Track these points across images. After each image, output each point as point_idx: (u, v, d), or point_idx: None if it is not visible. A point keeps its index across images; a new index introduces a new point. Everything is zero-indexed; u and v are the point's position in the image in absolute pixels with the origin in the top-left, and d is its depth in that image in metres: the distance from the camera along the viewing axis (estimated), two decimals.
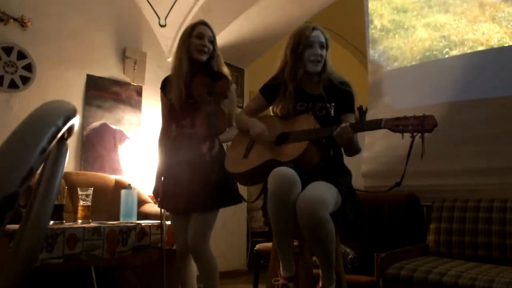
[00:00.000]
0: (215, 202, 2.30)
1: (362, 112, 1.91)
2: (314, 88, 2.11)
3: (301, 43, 2.07)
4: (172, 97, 2.38)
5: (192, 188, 2.28)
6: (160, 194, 2.44)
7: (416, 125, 1.69)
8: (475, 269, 2.19)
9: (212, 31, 2.40)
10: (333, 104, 2.06)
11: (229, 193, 2.34)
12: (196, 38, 2.36)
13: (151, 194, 3.95)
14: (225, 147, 2.42)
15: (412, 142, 1.73)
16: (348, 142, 1.87)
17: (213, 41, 2.39)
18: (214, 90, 2.33)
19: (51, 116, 0.51)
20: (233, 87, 2.44)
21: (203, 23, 2.41)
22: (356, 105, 2.10)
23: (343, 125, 1.85)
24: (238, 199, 2.36)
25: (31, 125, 0.49)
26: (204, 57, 2.36)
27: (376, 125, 1.83)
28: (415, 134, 1.71)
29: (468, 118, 2.93)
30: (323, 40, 2.09)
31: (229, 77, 2.41)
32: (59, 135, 0.52)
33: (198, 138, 2.32)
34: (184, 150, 2.35)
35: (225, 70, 2.43)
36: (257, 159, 2.06)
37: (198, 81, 2.36)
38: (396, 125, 1.74)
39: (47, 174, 0.59)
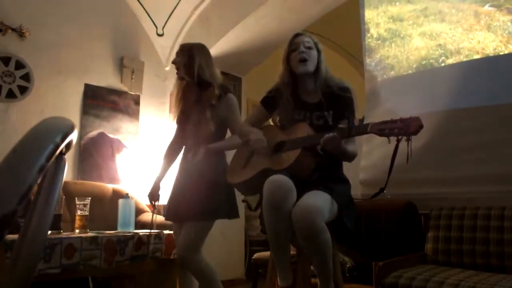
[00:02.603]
0: (210, 212, 2.30)
1: (350, 117, 1.91)
2: (312, 96, 2.12)
3: (286, 49, 2.12)
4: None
5: (188, 197, 2.31)
6: (154, 199, 2.53)
7: (401, 128, 1.68)
8: (473, 277, 2.19)
9: (184, 45, 2.51)
10: (331, 112, 2.06)
11: (228, 205, 2.35)
12: None
13: (149, 203, 3.98)
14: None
15: (396, 146, 1.72)
16: (336, 148, 1.87)
17: (184, 53, 2.44)
18: (201, 99, 2.38)
19: (49, 133, 0.51)
20: (230, 96, 2.43)
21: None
22: (357, 108, 2.09)
23: (331, 133, 1.84)
24: (236, 213, 2.39)
25: (30, 142, 0.49)
26: (179, 72, 2.47)
27: (363, 129, 1.83)
28: (400, 137, 1.71)
29: (465, 126, 2.95)
30: (307, 40, 2.10)
31: (216, 83, 2.40)
32: (58, 151, 0.52)
33: (188, 148, 2.45)
34: (182, 161, 2.48)
35: (214, 76, 2.43)
36: (254, 169, 2.08)
37: (189, 93, 2.47)
38: (382, 129, 1.74)
39: (46, 188, 0.59)
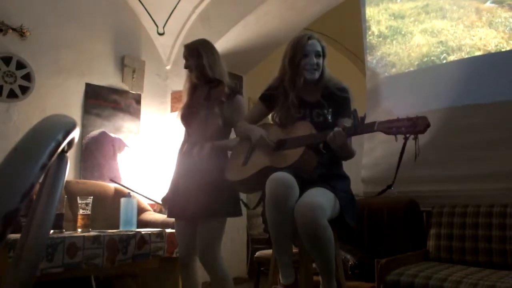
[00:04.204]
0: (216, 210, 2.29)
1: (356, 116, 1.92)
2: (312, 95, 2.13)
3: (297, 52, 2.09)
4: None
5: (193, 195, 2.29)
6: (167, 203, 2.48)
7: (409, 127, 1.70)
8: (476, 274, 2.19)
9: (189, 46, 2.47)
10: (330, 110, 2.08)
11: (231, 204, 2.34)
12: None
13: (151, 202, 3.98)
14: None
15: (404, 144, 1.74)
16: (342, 146, 1.88)
17: (193, 55, 2.42)
18: (210, 96, 2.38)
19: (51, 131, 0.51)
20: (239, 98, 2.42)
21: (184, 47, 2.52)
22: (352, 108, 2.11)
23: (336, 129, 1.85)
24: (239, 211, 2.39)
25: (32, 140, 0.49)
26: (193, 74, 2.45)
27: (369, 128, 1.84)
28: (407, 135, 1.71)
29: (467, 123, 2.94)
30: (319, 49, 2.11)
31: (225, 82, 2.41)
32: (60, 149, 0.52)
33: (194, 145, 2.38)
34: (187, 157, 2.41)
35: (223, 75, 2.43)
36: (255, 166, 2.08)
37: (198, 90, 2.46)
38: (389, 127, 1.74)
39: (48, 186, 0.59)
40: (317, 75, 2.10)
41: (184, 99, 2.51)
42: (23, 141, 0.49)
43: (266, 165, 2.03)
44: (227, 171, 2.21)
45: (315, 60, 2.08)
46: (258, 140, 2.09)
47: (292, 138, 2.01)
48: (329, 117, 2.07)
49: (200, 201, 2.26)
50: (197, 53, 2.41)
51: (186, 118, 2.47)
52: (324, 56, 2.13)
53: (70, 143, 0.58)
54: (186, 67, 2.47)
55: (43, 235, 0.60)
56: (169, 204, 2.46)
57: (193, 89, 2.49)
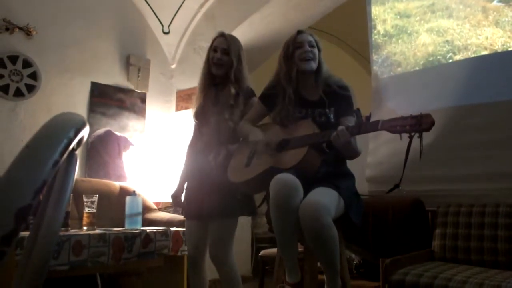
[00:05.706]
0: (233, 210, 2.28)
1: (359, 114, 1.91)
2: (312, 93, 2.12)
3: (290, 45, 2.11)
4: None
5: (208, 194, 2.29)
6: (179, 200, 2.48)
7: (413, 125, 1.68)
8: (481, 274, 2.18)
9: (228, 41, 2.38)
10: (332, 109, 2.07)
11: (248, 202, 2.34)
12: (212, 51, 2.39)
13: (156, 200, 4.00)
14: None
15: (410, 142, 1.72)
16: (345, 145, 1.87)
17: (229, 52, 2.34)
18: (218, 100, 2.36)
19: (63, 129, 0.52)
20: (256, 100, 2.35)
21: (221, 35, 2.41)
22: (355, 106, 2.11)
23: (340, 128, 1.84)
24: (255, 210, 2.38)
25: (44, 138, 0.50)
26: (219, 71, 2.36)
27: (373, 127, 1.83)
28: (412, 134, 1.70)
29: (473, 122, 2.93)
30: (311, 39, 2.12)
31: (234, 86, 2.34)
32: (70, 147, 0.53)
33: (207, 147, 2.37)
34: (200, 158, 2.40)
35: (243, 80, 2.38)
36: (259, 167, 2.07)
37: (209, 92, 2.42)
38: (394, 125, 1.73)
39: (58, 184, 0.60)
40: (313, 65, 2.09)
41: (199, 96, 2.44)
42: (35, 138, 0.49)
43: (270, 166, 2.03)
44: (229, 172, 2.19)
45: (308, 48, 2.08)
46: (255, 145, 2.09)
47: (295, 138, 2.01)
48: (331, 116, 2.06)
49: (216, 201, 2.25)
50: (238, 56, 2.36)
51: (199, 118, 2.44)
52: (319, 49, 2.13)
53: (80, 141, 0.59)
54: (218, 60, 2.34)
55: (53, 233, 0.60)
56: (183, 205, 2.46)
57: (207, 87, 2.43)
